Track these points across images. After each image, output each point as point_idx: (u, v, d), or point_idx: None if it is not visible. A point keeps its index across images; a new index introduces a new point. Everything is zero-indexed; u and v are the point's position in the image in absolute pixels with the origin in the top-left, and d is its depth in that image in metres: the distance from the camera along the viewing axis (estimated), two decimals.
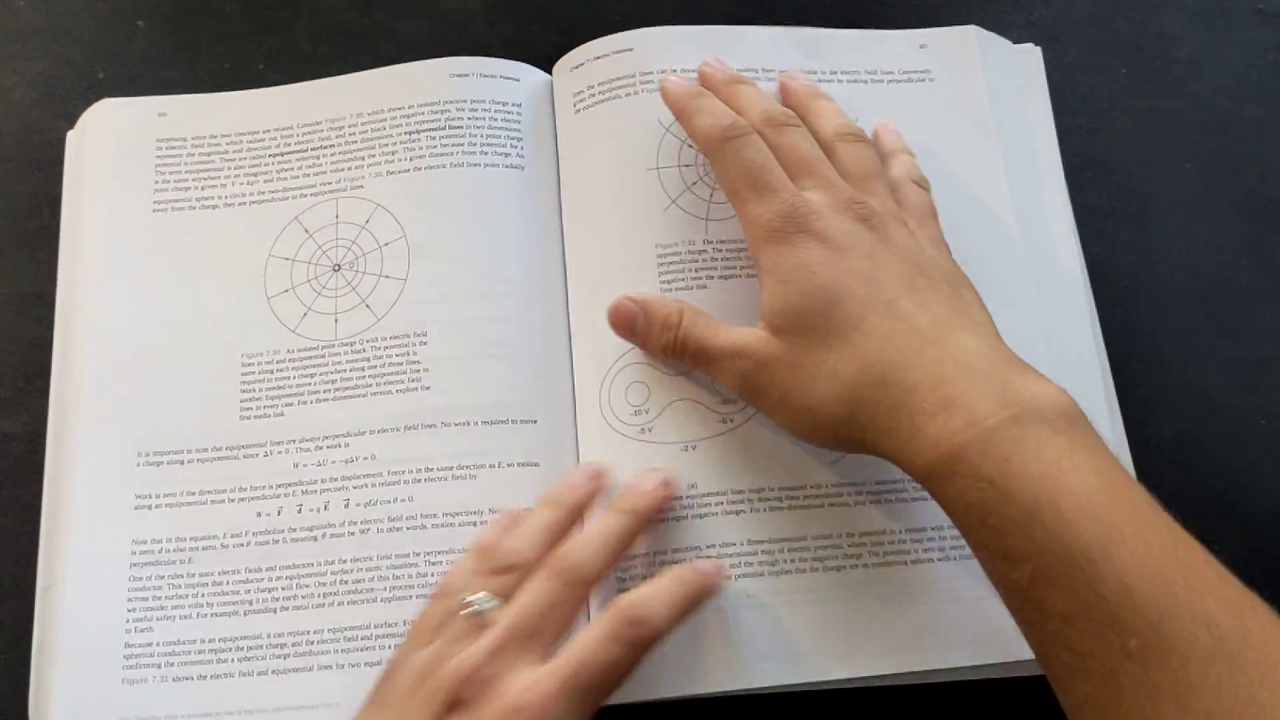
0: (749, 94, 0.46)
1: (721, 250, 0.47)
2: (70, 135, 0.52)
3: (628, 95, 0.49)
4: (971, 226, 0.48)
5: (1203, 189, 0.52)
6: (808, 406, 0.39)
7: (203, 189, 0.50)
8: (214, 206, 0.50)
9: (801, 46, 0.51)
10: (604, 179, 0.48)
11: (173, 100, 0.52)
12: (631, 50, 0.50)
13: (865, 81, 0.51)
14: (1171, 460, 0.47)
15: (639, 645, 0.37)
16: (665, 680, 0.41)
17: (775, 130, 0.44)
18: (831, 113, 0.47)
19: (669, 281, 0.46)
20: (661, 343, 0.43)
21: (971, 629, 0.42)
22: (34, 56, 0.54)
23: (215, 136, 0.51)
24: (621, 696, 0.41)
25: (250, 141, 0.51)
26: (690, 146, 0.48)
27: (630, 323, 0.44)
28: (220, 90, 0.53)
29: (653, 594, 0.38)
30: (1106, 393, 0.47)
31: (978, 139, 0.50)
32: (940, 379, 0.37)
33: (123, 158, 0.51)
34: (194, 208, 0.50)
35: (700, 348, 0.42)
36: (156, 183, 0.50)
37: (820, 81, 0.50)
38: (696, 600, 0.39)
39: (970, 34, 0.52)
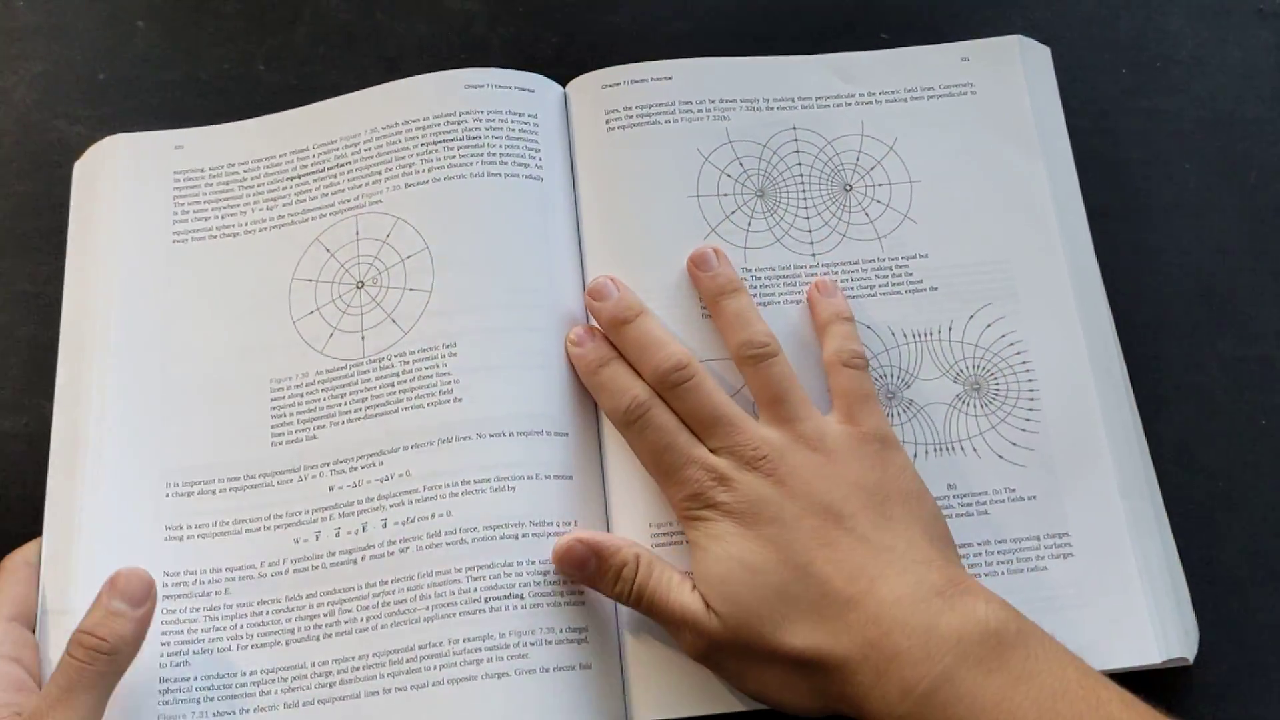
0: (640, 343, 0.44)
1: (760, 278, 0.47)
2: (77, 167, 0.51)
3: (667, 122, 0.49)
4: (1014, 238, 0.48)
5: (1203, 189, 0.52)
6: (762, 692, 0.40)
7: (223, 218, 0.49)
8: (235, 234, 0.49)
9: (839, 71, 0.51)
10: (639, 201, 0.48)
11: (188, 133, 0.51)
12: (670, 79, 0.50)
13: (904, 100, 0.51)
14: (1171, 460, 0.47)
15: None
16: (701, 698, 0.41)
17: (672, 393, 0.43)
18: (840, 337, 0.45)
19: None
20: (615, 591, 0.41)
21: None
22: (34, 56, 0.54)
23: (233, 165, 0.50)
24: (654, 715, 0.41)
25: (268, 167, 0.50)
26: (729, 176, 0.49)
27: (580, 566, 0.41)
28: (219, 90, 0.53)
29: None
30: (1128, 394, 0.47)
31: (1020, 149, 0.50)
32: (868, 645, 0.37)
33: (139, 191, 0.50)
34: (214, 236, 0.49)
35: (653, 605, 0.41)
36: (175, 214, 0.49)
37: (858, 104, 0.51)
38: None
39: (1013, 44, 0.52)
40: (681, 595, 0.40)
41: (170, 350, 0.47)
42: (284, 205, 0.49)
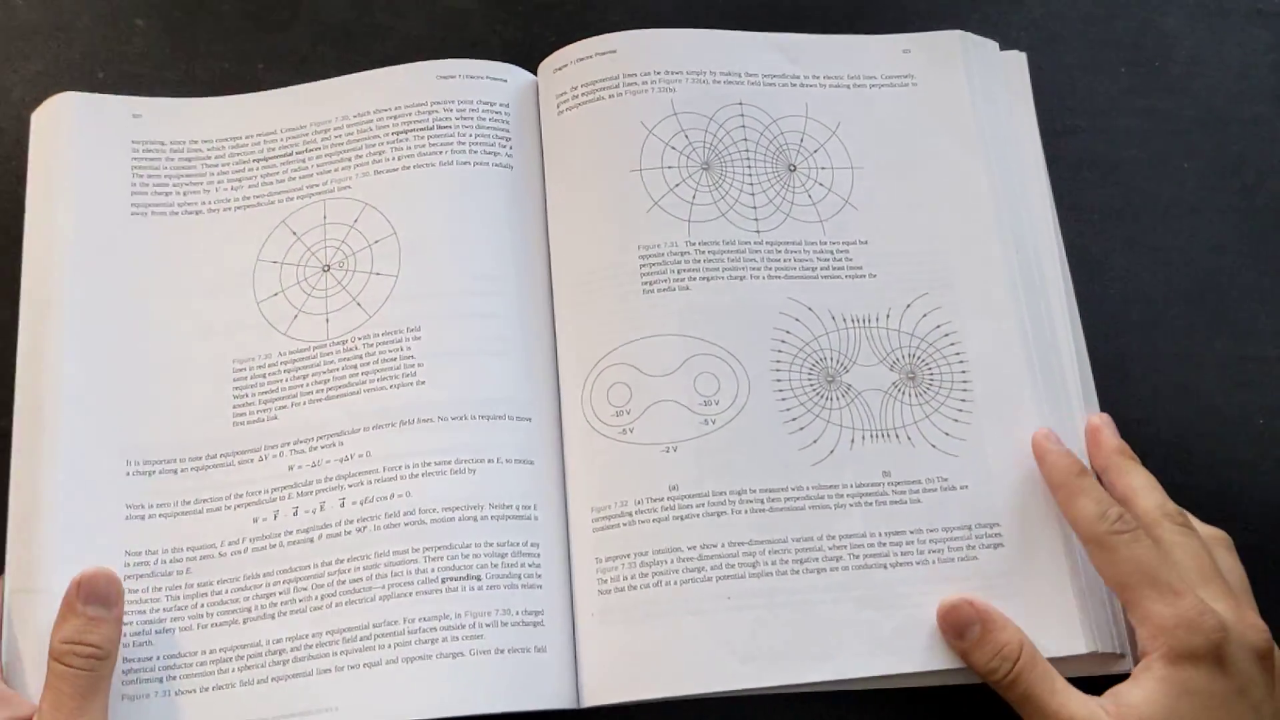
0: (1141, 477, 0.43)
1: (704, 251, 0.47)
2: (35, 119, 0.50)
3: (611, 97, 0.49)
4: (951, 230, 0.48)
5: (1203, 189, 0.52)
6: None
7: (184, 194, 0.49)
8: (197, 212, 0.49)
9: (784, 51, 0.51)
10: (587, 179, 0.48)
11: (146, 102, 0.51)
12: (615, 52, 0.50)
13: (848, 86, 0.51)
14: (1171, 460, 0.47)
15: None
16: (647, 682, 0.41)
17: (1177, 529, 0.41)
18: (1149, 486, 0.43)
19: (651, 282, 0.46)
20: (988, 666, 0.40)
21: None
22: (34, 56, 0.54)
23: (195, 142, 0.50)
24: (603, 699, 0.41)
25: (233, 147, 0.50)
26: (674, 149, 0.48)
27: (963, 628, 0.41)
28: (219, 91, 0.53)
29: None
30: (1085, 399, 0.47)
31: (959, 144, 0.50)
32: None
33: (95, 158, 0.49)
34: (175, 213, 0.49)
35: (1029, 698, 0.39)
36: (134, 185, 0.49)
37: (802, 86, 0.51)
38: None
39: (954, 39, 0.52)
40: (1071, 699, 0.39)
41: (129, 327, 0.47)
42: (249, 186, 0.49)
